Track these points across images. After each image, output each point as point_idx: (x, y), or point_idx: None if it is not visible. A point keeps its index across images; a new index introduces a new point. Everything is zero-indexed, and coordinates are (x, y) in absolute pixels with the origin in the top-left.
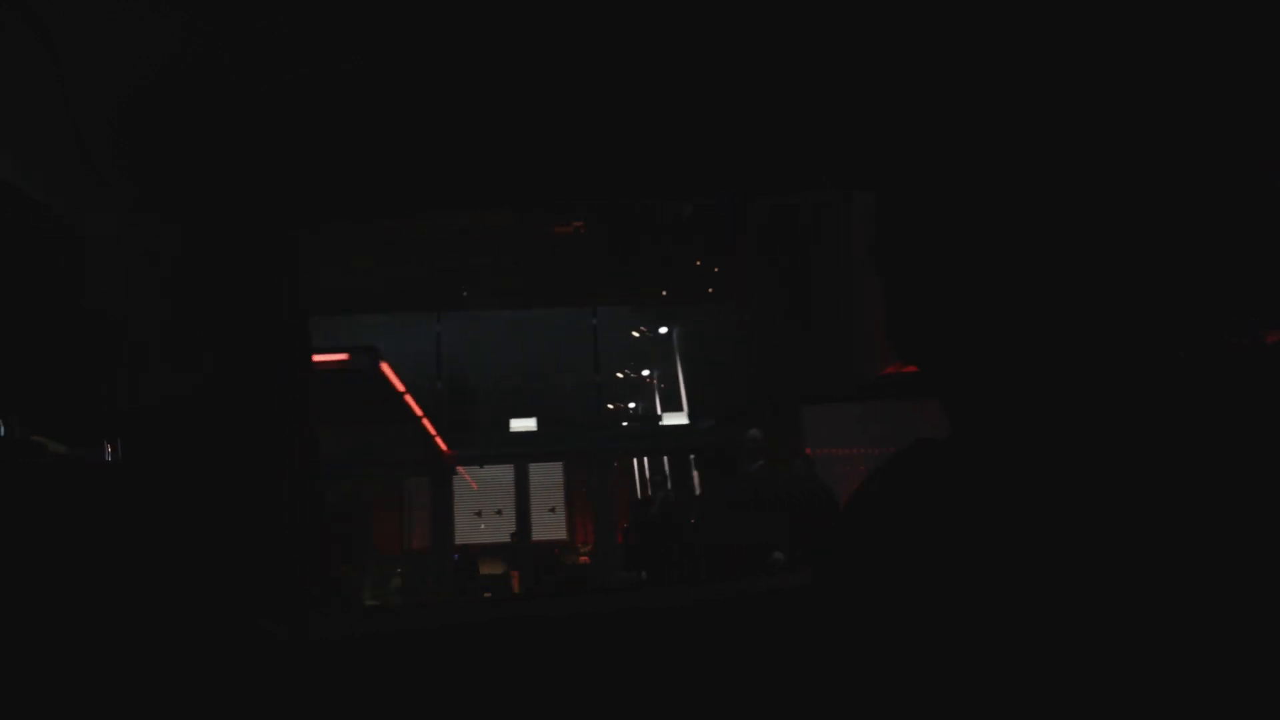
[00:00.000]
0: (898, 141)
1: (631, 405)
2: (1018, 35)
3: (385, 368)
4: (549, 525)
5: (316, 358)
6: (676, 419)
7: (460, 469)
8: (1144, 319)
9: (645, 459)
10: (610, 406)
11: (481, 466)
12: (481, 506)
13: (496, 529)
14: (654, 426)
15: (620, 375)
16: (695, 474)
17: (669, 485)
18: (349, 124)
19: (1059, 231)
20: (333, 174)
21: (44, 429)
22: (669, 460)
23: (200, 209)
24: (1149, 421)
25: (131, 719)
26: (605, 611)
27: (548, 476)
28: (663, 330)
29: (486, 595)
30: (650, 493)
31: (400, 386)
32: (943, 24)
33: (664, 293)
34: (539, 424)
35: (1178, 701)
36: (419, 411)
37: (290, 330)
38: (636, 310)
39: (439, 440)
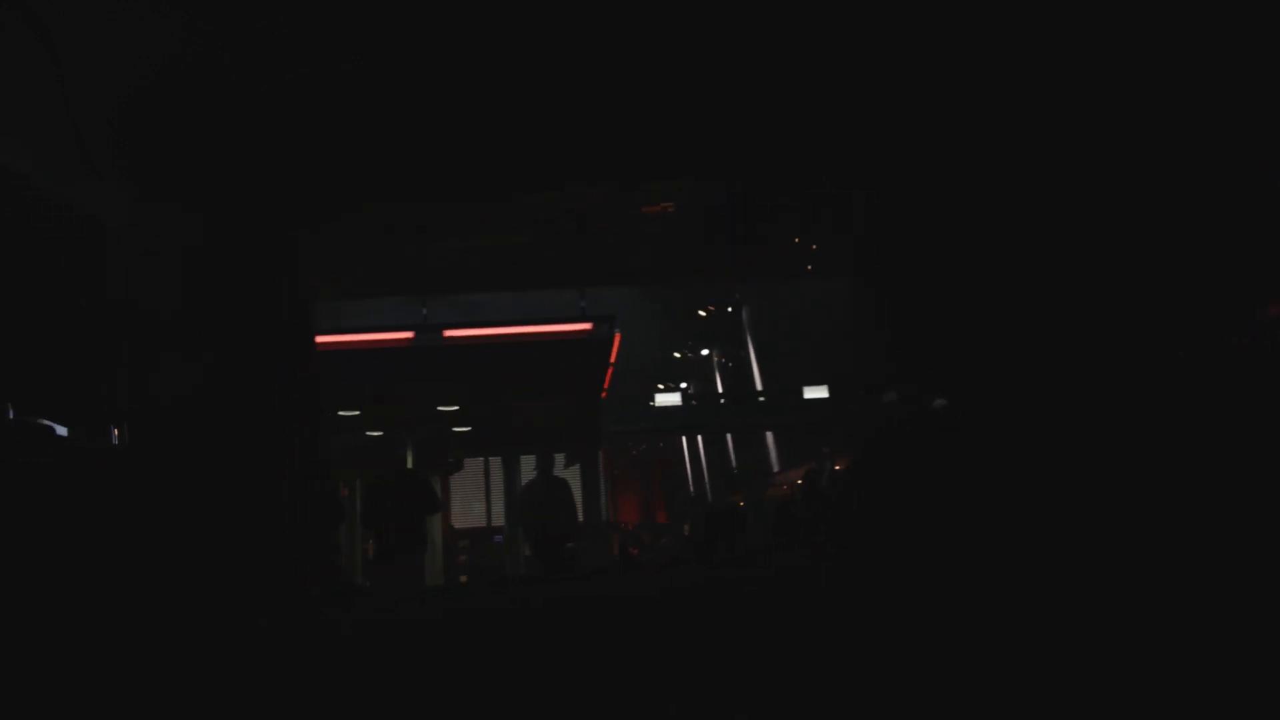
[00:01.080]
0: (898, 148)
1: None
2: (1017, 43)
3: (617, 338)
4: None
5: (555, 328)
6: (817, 393)
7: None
8: (1143, 319)
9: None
10: (660, 387)
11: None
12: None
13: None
14: (797, 400)
15: (677, 355)
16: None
17: (831, 457)
18: (349, 124)
19: (1061, 235)
20: (333, 174)
21: (49, 414)
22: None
23: (200, 209)
24: (1145, 419)
25: (129, 713)
26: (600, 596)
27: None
28: (730, 309)
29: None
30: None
31: (613, 357)
32: (946, 33)
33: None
34: (682, 399)
35: (1164, 688)
36: (606, 384)
37: (290, 330)
38: (708, 289)
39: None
